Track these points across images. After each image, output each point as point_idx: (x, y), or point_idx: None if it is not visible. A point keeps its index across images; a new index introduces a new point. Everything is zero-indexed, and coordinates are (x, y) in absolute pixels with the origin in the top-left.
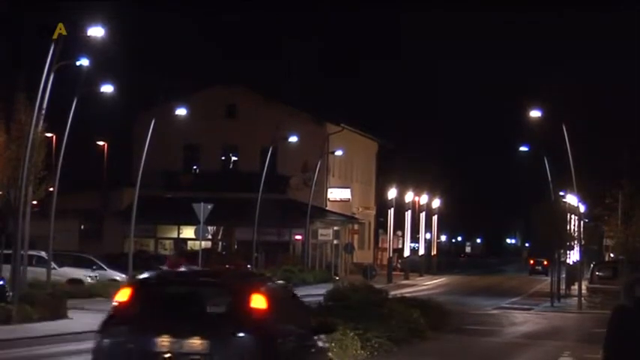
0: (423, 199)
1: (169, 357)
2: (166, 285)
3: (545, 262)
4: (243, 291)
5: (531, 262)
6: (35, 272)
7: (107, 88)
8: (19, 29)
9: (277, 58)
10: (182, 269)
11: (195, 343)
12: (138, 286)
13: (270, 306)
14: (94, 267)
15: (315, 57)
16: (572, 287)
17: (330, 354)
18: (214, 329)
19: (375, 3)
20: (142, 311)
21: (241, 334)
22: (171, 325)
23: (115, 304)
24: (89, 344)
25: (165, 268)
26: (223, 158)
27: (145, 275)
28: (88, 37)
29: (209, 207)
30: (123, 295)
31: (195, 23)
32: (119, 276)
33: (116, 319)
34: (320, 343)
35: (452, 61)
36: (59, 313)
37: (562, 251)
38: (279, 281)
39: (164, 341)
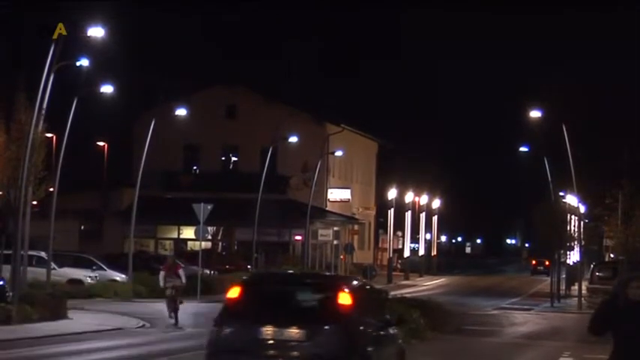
0: (423, 199)
1: (272, 343)
2: (269, 284)
3: (547, 263)
4: (332, 289)
5: (533, 262)
6: (35, 272)
7: (107, 89)
8: (19, 29)
9: (277, 58)
10: (180, 270)
11: (294, 332)
12: (245, 285)
13: (353, 302)
14: (94, 267)
15: (315, 57)
16: (572, 287)
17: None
18: (309, 321)
19: (376, 3)
20: (250, 306)
21: (331, 325)
22: (274, 317)
23: (227, 300)
24: (89, 344)
25: (162, 270)
26: (223, 158)
27: (249, 276)
28: (88, 37)
29: (209, 207)
30: (233, 292)
31: (195, 23)
32: (119, 276)
33: (229, 311)
34: (391, 331)
35: (452, 61)
36: (59, 314)
37: (562, 251)
38: (355, 281)
39: (268, 330)
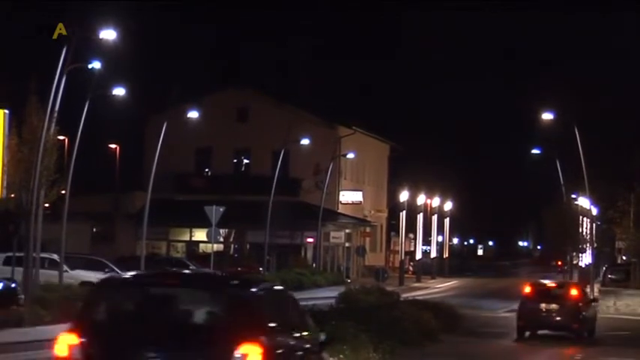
0: (435, 201)
1: (544, 311)
2: (542, 285)
3: None
4: (569, 286)
5: (559, 263)
6: (47, 275)
7: (119, 91)
8: (30, 31)
9: (289, 60)
10: None
11: (553, 306)
12: (531, 285)
13: (578, 292)
14: (106, 270)
15: (327, 59)
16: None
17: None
18: (559, 300)
19: (378, 3)
20: (534, 294)
21: (569, 302)
22: (545, 299)
23: (524, 292)
24: None
25: None
26: (235, 161)
27: (533, 281)
28: (100, 39)
29: (221, 210)
30: (527, 288)
31: (207, 26)
32: None
33: (525, 297)
34: (592, 304)
35: (460, 62)
36: (71, 316)
37: (574, 254)
38: (577, 283)
39: (542, 305)
